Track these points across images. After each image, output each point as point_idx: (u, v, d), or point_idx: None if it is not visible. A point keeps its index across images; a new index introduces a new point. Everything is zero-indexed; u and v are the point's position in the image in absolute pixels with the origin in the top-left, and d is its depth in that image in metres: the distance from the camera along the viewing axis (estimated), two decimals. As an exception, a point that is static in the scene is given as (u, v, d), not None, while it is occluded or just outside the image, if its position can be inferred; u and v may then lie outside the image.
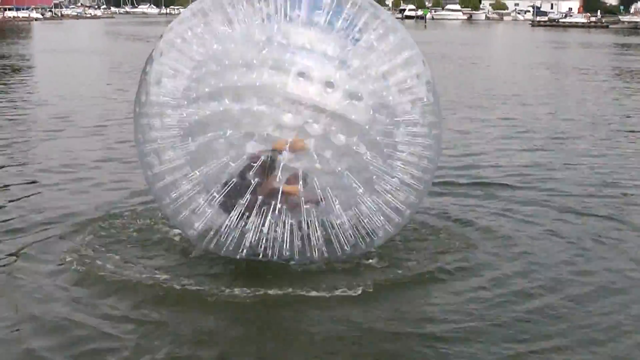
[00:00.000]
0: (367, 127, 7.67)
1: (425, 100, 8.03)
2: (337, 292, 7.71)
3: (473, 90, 27.14)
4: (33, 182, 12.20)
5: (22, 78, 29.83)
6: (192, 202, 7.79)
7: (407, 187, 7.97)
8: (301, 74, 7.47)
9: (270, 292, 7.65)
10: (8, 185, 11.97)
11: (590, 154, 15.20)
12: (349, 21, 7.71)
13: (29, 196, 11.29)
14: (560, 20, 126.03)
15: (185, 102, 7.72)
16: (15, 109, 20.71)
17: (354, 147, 7.62)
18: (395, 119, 7.82)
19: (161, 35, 8.25)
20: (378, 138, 7.75)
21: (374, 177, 7.80)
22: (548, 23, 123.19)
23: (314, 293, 7.68)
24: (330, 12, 7.66)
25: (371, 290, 7.80)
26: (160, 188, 8.04)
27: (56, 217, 10.12)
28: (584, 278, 8.37)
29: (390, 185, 7.87)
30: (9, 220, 10.07)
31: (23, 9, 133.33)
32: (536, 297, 7.84)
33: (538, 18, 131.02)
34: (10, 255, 8.79)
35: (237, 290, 7.64)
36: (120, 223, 9.63)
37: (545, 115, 20.59)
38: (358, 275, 8.16)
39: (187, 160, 7.73)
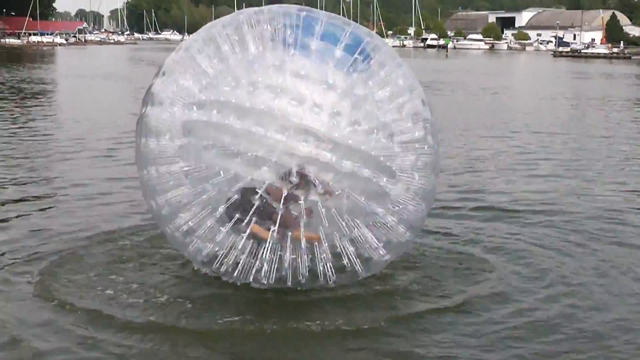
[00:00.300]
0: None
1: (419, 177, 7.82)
2: (343, 324, 7.36)
3: (489, 118, 27.04)
4: (41, 200, 12.28)
5: (42, 101, 30.05)
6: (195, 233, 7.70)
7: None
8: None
9: (268, 324, 7.35)
10: (18, 201, 12.18)
11: (599, 181, 15.11)
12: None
13: (31, 214, 11.35)
14: (582, 51, 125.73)
15: (182, 155, 7.56)
16: (32, 129, 20.92)
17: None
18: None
19: (160, 74, 7.94)
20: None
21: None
22: (570, 54, 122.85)
23: (316, 326, 7.33)
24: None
25: (382, 323, 7.46)
26: (160, 218, 8.12)
27: (56, 235, 10.12)
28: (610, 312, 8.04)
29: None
30: (9, 237, 10.08)
31: (47, 34, 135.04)
32: (559, 329, 7.53)
33: (560, 48, 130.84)
34: (3, 268, 8.80)
35: (232, 319, 7.41)
36: (121, 244, 9.64)
37: (557, 144, 20.42)
38: (370, 307, 7.82)
39: (183, 204, 7.62)
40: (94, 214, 11.35)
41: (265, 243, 7.51)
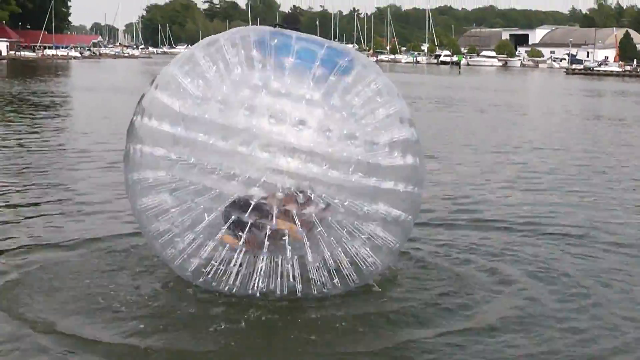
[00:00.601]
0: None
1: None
2: (351, 347, 7.04)
3: (495, 133, 27.07)
4: (40, 207, 12.38)
5: (50, 113, 30.17)
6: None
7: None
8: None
9: (270, 340, 7.21)
10: (18, 208, 12.29)
11: (601, 195, 15.09)
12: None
13: (30, 221, 11.40)
14: (595, 68, 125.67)
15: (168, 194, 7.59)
16: (39, 140, 21.05)
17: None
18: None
19: (140, 111, 7.93)
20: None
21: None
22: (583, 71, 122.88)
23: (321, 348, 7.01)
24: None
25: (391, 346, 7.14)
26: (154, 247, 8.21)
27: (54, 242, 10.15)
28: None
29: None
30: (4, 245, 10.08)
31: (62, 48, 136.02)
32: (583, 346, 7.33)
33: (573, 66, 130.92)
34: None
35: (225, 334, 7.23)
36: (118, 251, 9.67)
37: (560, 160, 20.36)
38: (380, 328, 7.51)
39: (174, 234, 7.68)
40: (94, 222, 11.39)
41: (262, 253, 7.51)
